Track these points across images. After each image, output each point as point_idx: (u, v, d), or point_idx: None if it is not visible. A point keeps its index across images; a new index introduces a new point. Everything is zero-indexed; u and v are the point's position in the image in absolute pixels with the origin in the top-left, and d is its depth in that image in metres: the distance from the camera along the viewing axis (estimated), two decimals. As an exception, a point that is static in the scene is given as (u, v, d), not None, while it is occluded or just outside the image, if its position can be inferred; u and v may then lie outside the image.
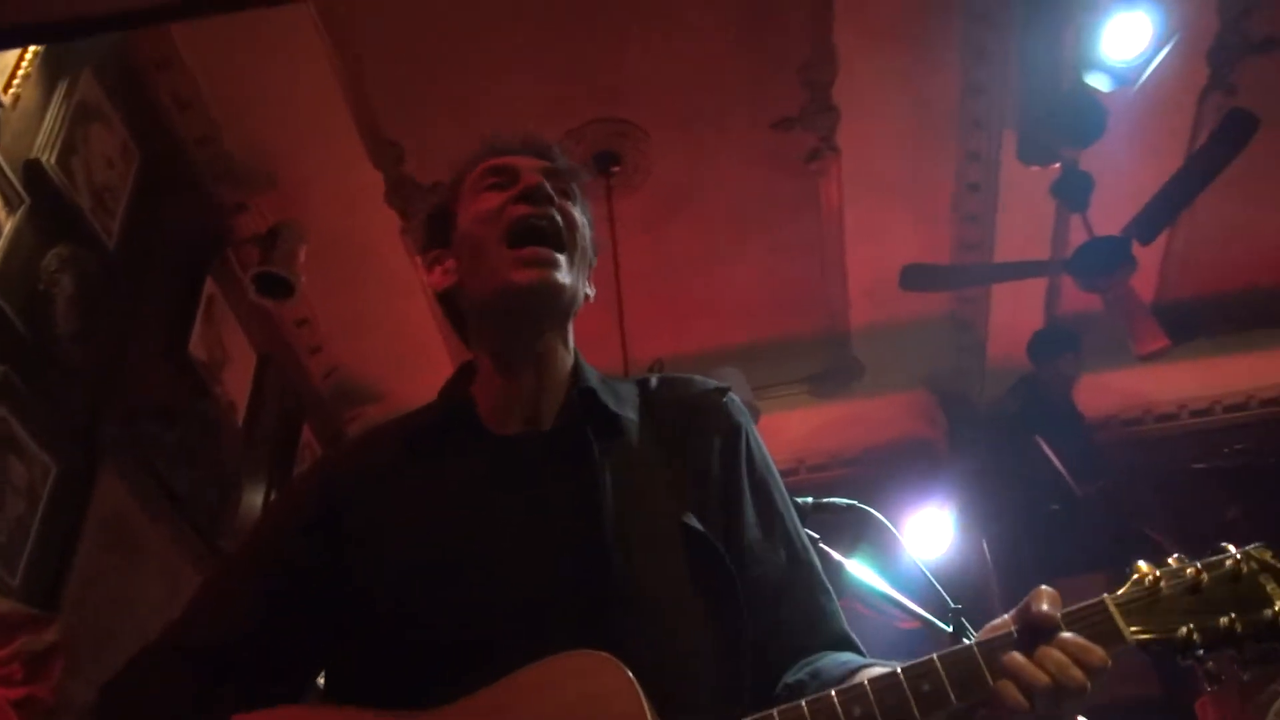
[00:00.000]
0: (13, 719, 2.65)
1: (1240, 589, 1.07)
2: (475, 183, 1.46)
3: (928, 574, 2.31)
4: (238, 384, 4.51)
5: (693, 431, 1.40)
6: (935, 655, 1.07)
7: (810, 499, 2.29)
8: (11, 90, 3.19)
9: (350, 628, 1.26)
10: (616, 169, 4.61)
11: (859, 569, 2.32)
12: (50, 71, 3.41)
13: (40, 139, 3.35)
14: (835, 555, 2.26)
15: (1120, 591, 1.09)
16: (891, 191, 4.91)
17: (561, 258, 1.37)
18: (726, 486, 1.37)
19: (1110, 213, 4.39)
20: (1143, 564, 1.11)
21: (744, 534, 1.34)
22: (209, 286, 4.32)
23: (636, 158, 4.63)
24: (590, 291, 1.49)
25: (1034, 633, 1.05)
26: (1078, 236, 4.56)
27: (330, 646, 1.30)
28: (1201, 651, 1.06)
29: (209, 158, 4.42)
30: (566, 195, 1.45)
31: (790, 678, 1.26)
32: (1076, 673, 1.01)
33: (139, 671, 1.33)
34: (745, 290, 5.27)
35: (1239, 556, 1.09)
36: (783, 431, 5.76)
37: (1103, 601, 1.08)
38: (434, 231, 1.52)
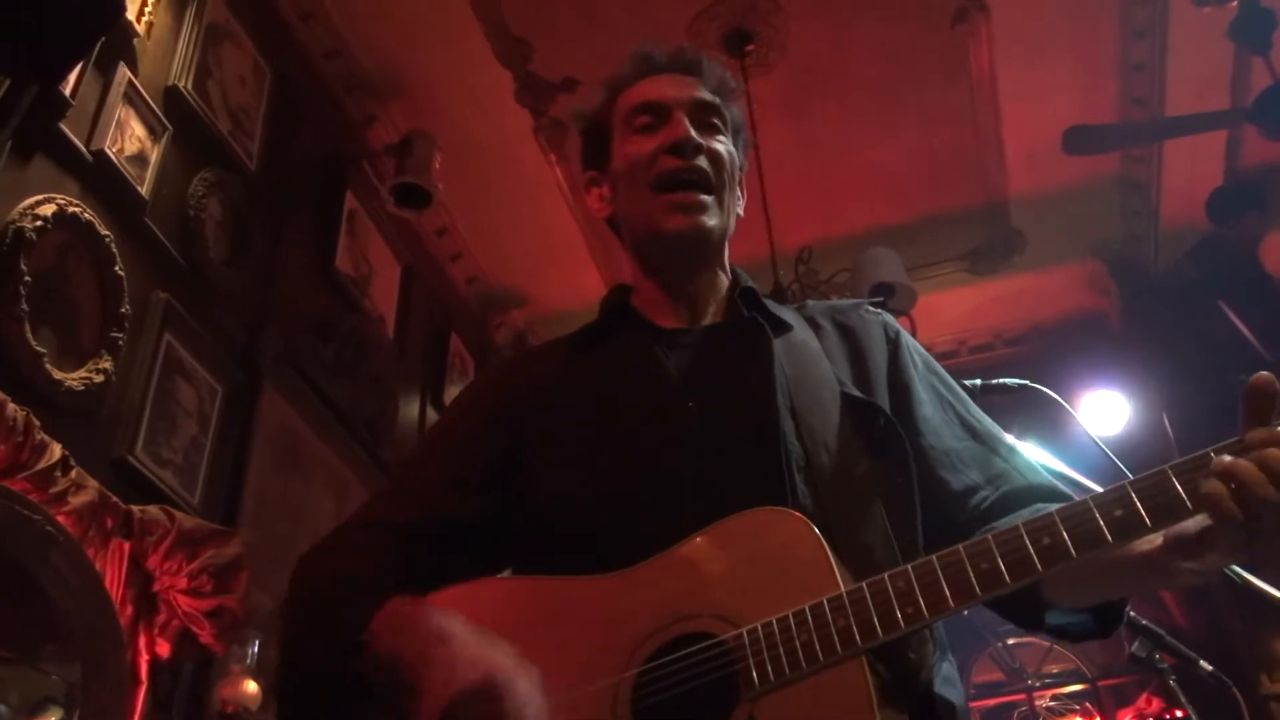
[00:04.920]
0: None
1: None
2: (628, 117, 1.49)
3: (1107, 451, 2.17)
4: (385, 297, 4.56)
5: (851, 332, 1.45)
6: (1127, 481, 1.00)
7: (978, 380, 2.20)
8: (145, 19, 3.20)
9: (532, 510, 1.31)
10: (750, 48, 4.40)
11: (1034, 451, 2.21)
12: (178, -5, 3.43)
13: (176, 65, 3.37)
14: (1008, 438, 2.16)
15: None
16: (1048, 48, 4.56)
17: (709, 199, 1.43)
18: (891, 372, 1.40)
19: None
20: None
21: (915, 410, 1.37)
22: (349, 201, 4.34)
23: (770, 33, 4.40)
24: (740, 209, 1.53)
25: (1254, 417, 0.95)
26: (1260, 80, 4.14)
27: (515, 531, 1.33)
28: None
29: (338, 71, 4.41)
30: (715, 129, 1.48)
31: (1002, 523, 1.23)
32: None
33: (337, 541, 1.33)
34: (895, 166, 5.02)
35: None
36: (941, 312, 5.55)
37: None
38: (590, 151, 1.57)
